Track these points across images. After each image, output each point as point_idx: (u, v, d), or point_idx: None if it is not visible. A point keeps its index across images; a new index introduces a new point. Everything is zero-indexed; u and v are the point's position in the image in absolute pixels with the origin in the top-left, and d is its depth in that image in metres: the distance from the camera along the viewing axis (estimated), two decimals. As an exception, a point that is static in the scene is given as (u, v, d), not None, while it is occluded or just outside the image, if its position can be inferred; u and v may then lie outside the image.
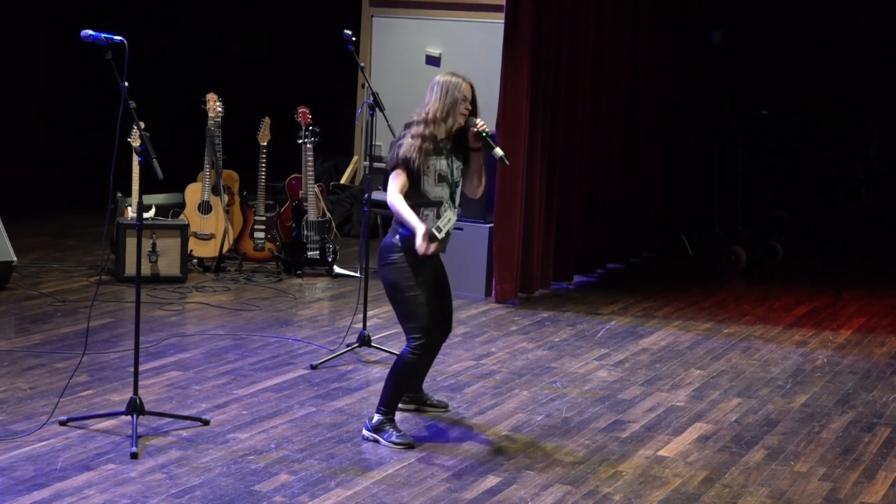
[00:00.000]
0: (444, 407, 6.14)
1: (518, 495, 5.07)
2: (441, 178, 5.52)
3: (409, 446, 5.54)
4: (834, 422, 6.31)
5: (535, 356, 7.31)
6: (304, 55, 12.63)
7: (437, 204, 5.52)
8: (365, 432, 5.63)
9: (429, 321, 5.54)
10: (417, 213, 5.44)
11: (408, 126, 5.56)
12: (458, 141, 5.59)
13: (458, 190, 5.62)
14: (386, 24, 11.43)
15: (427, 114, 5.51)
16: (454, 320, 7.99)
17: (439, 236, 5.49)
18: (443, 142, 5.52)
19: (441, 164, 5.51)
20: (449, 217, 5.55)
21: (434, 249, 5.42)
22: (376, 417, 5.61)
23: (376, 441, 5.57)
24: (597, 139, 9.74)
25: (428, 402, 6.12)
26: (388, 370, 5.68)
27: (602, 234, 9.98)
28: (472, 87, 5.58)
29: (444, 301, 5.75)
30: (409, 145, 5.48)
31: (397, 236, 5.53)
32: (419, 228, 5.36)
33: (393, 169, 5.51)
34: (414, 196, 5.49)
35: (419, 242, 5.35)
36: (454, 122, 5.51)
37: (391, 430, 5.57)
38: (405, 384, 5.68)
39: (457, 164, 5.59)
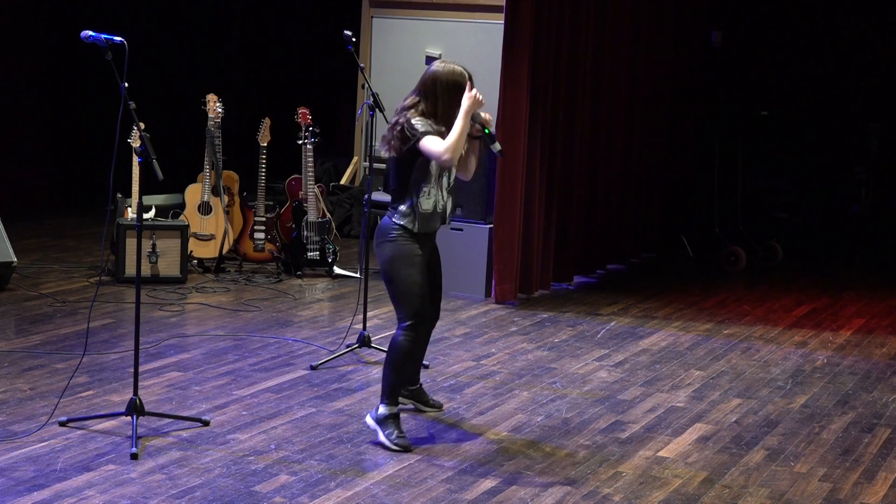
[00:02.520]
0: (439, 407, 6.14)
1: (518, 496, 5.07)
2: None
3: (406, 449, 5.50)
4: (834, 422, 6.31)
5: (535, 357, 7.31)
6: (304, 55, 12.64)
7: (436, 181, 5.60)
8: (368, 419, 5.64)
9: (421, 304, 5.57)
10: (418, 191, 5.54)
11: (405, 109, 5.60)
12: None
13: (453, 173, 5.68)
14: (386, 24, 11.43)
15: (435, 109, 5.57)
16: (454, 320, 8.05)
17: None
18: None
19: None
20: (442, 200, 5.64)
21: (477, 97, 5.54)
22: (381, 408, 5.59)
23: (376, 433, 5.57)
24: (597, 139, 9.74)
25: (424, 400, 6.12)
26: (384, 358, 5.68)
27: (602, 234, 9.98)
28: (468, 75, 5.70)
29: (434, 287, 5.76)
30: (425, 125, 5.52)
31: (396, 215, 5.59)
32: (468, 100, 5.51)
33: (423, 136, 5.49)
34: (419, 173, 5.55)
35: (472, 94, 5.51)
36: (453, 113, 5.56)
37: (393, 428, 5.54)
38: (402, 371, 5.65)
39: None
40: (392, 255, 5.57)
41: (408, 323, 5.57)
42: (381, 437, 5.54)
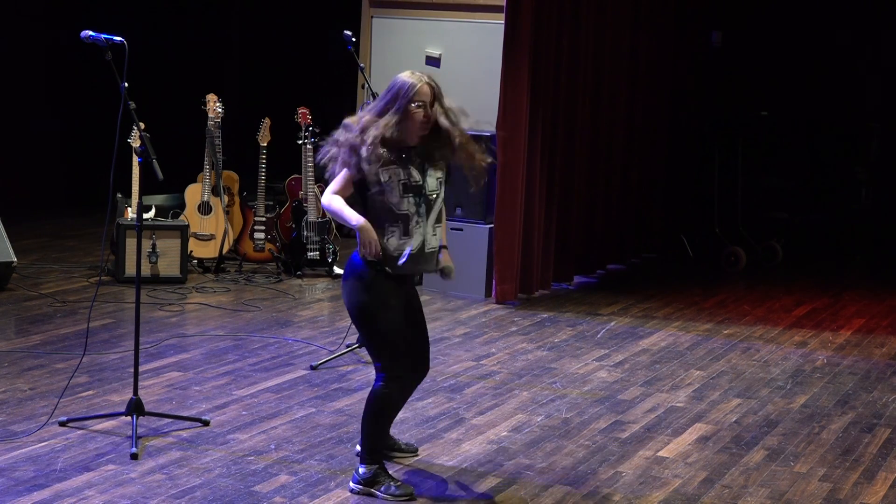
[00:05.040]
0: (413, 451, 5.50)
1: (518, 496, 5.07)
2: (407, 189, 4.88)
3: (411, 497, 4.95)
4: (834, 422, 6.31)
5: (535, 357, 7.31)
6: (304, 55, 12.63)
7: (404, 218, 4.88)
8: (352, 485, 4.99)
9: (403, 350, 4.96)
10: (383, 230, 4.86)
11: (347, 127, 4.93)
12: (438, 148, 4.96)
13: (436, 203, 4.98)
14: (386, 24, 11.42)
15: (374, 117, 4.87)
16: (454, 320, 8.05)
17: (399, 262, 4.91)
18: (407, 149, 4.90)
19: (402, 173, 4.87)
20: (421, 237, 4.93)
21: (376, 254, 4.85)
22: (362, 469, 4.98)
23: (371, 495, 4.95)
24: (597, 139, 9.74)
25: (395, 446, 5.45)
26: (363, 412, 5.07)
27: (602, 234, 9.98)
28: (432, 87, 4.91)
29: (418, 335, 5.12)
30: (357, 144, 4.84)
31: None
32: (363, 229, 4.82)
33: (339, 169, 4.88)
34: (376, 210, 4.89)
35: (367, 248, 4.83)
36: (408, 128, 4.86)
37: (388, 482, 4.95)
38: (384, 423, 5.09)
39: (434, 174, 4.97)
40: (361, 301, 4.89)
41: (388, 373, 4.93)
42: (380, 496, 4.93)
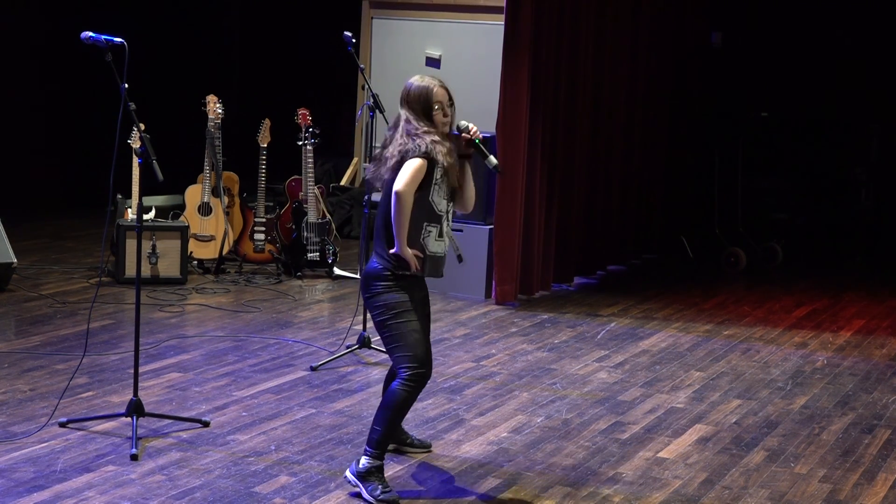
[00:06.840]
0: (427, 447, 5.59)
1: (518, 497, 5.07)
2: (448, 192, 5.03)
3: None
4: (834, 423, 6.31)
5: (535, 358, 7.31)
6: (304, 56, 12.64)
7: (440, 218, 5.02)
8: (348, 475, 5.03)
9: (423, 349, 5.00)
10: (420, 229, 4.97)
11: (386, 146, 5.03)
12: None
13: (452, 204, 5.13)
14: (386, 25, 11.43)
15: (422, 124, 4.97)
16: (454, 321, 8.06)
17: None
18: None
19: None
20: (448, 239, 5.11)
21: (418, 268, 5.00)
22: (364, 461, 4.98)
23: (359, 491, 4.96)
24: (597, 140, 9.74)
25: (408, 441, 5.56)
26: (378, 406, 5.06)
27: (602, 235, 9.98)
28: (446, 89, 5.06)
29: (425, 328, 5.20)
30: (432, 144, 4.91)
31: (383, 262, 5.01)
32: (406, 252, 4.94)
33: (412, 158, 4.91)
34: (420, 209, 4.96)
35: (411, 266, 4.95)
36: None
37: (377, 483, 4.93)
38: (398, 421, 5.11)
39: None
40: (384, 306, 4.98)
41: (411, 370, 4.96)
42: (365, 496, 4.93)
